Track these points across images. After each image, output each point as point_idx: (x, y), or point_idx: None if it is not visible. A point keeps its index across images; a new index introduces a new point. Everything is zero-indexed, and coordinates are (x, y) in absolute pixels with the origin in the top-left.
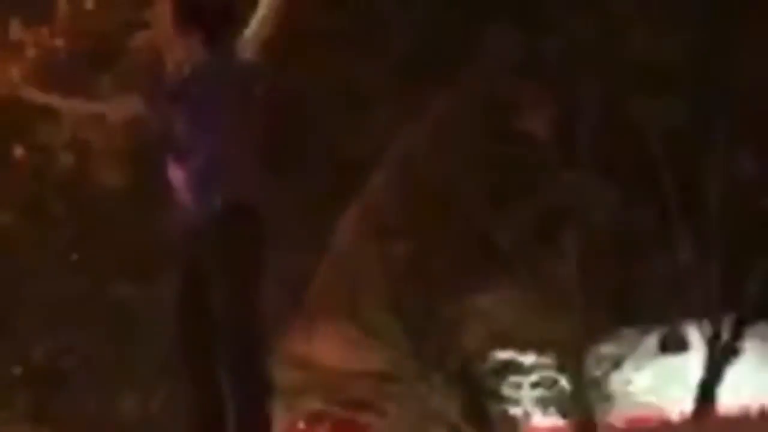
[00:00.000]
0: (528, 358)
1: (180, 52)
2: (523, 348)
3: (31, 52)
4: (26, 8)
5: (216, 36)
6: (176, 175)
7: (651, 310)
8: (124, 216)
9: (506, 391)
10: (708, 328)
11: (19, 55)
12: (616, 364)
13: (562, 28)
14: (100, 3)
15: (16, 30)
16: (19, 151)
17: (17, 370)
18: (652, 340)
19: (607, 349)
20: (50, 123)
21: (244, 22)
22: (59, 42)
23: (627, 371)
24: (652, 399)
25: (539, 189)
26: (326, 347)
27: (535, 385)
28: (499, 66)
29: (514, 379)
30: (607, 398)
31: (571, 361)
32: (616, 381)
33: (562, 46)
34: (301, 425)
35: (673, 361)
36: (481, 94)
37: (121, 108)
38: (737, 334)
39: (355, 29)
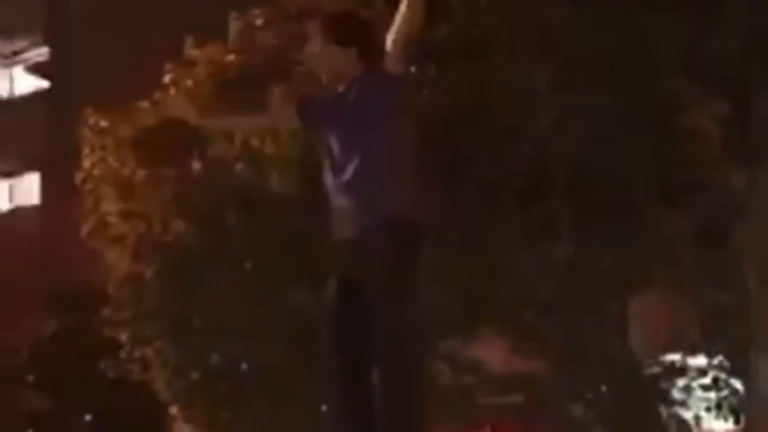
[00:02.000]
0: (698, 360)
1: (335, 67)
2: (693, 349)
3: (203, 69)
4: (199, 27)
5: (367, 49)
6: (333, 189)
7: None
8: (297, 224)
9: (676, 394)
10: None
11: (191, 72)
12: None
13: (737, 23)
14: (269, 18)
15: (189, 48)
16: (196, 165)
17: (195, 375)
18: None
19: None
20: (225, 136)
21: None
22: (231, 58)
23: None
24: None
25: (709, 186)
26: (491, 351)
27: (706, 388)
28: (667, 63)
29: (683, 381)
30: None
31: (744, 362)
32: None
33: (734, 43)
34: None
35: None
36: (649, 91)
37: (287, 119)
38: None
39: (522, 31)
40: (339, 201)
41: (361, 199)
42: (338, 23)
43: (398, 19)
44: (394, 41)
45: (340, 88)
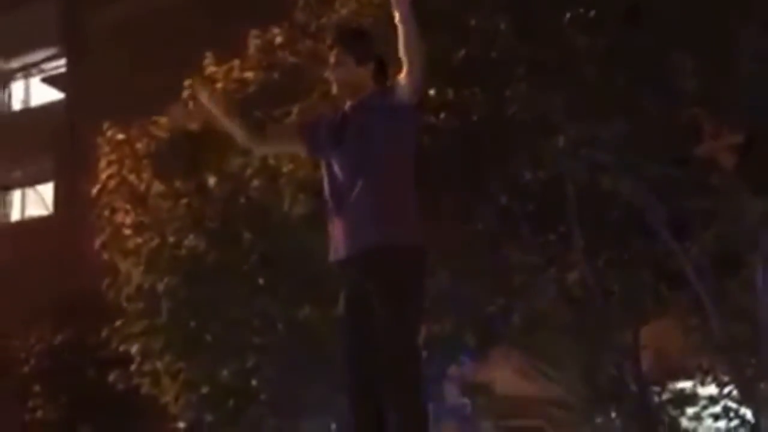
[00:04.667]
0: (708, 389)
1: (350, 82)
2: (703, 378)
3: (221, 85)
4: (219, 43)
5: (380, 69)
6: (335, 212)
7: None
8: (309, 242)
9: (685, 423)
10: None
11: (210, 88)
12: None
13: (753, 53)
14: (289, 36)
15: (209, 64)
16: (212, 180)
17: (205, 389)
18: None
19: None
20: (241, 153)
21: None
22: (249, 75)
23: None
24: None
25: (723, 216)
26: (501, 374)
27: (716, 417)
28: (681, 93)
29: (693, 410)
30: None
31: (754, 392)
32: None
33: (748, 73)
34: None
35: None
36: (664, 120)
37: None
38: None
39: (542, 57)
40: (340, 224)
41: (363, 223)
42: (356, 39)
43: (404, 50)
44: (409, 72)
45: (347, 108)
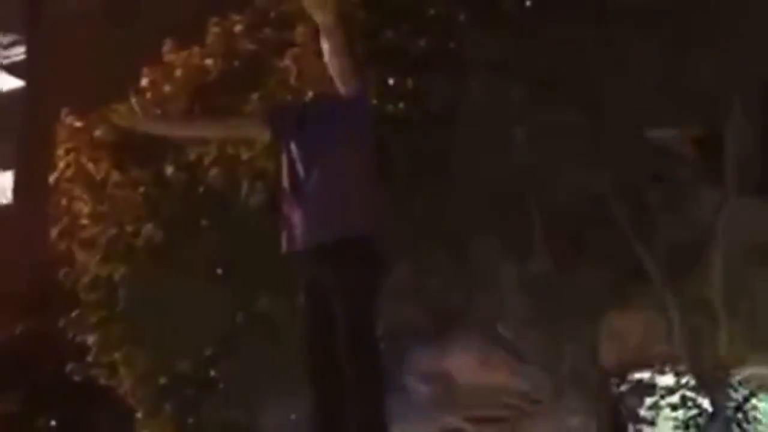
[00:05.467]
0: (667, 379)
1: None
2: (662, 368)
3: (180, 72)
4: (179, 31)
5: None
6: (291, 201)
7: None
8: (268, 231)
9: (644, 412)
10: None
11: (169, 75)
12: (760, 386)
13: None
14: (248, 26)
15: (167, 51)
16: (170, 170)
17: (163, 380)
18: None
19: (752, 370)
20: (199, 142)
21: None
22: (209, 62)
23: None
24: None
25: (684, 207)
26: (462, 363)
27: (674, 407)
28: (641, 84)
29: (652, 400)
30: (750, 421)
31: (713, 383)
32: (760, 404)
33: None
34: None
35: None
36: (622, 111)
37: (257, 130)
38: None
39: (499, 46)
40: (296, 214)
41: (320, 215)
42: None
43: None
44: (332, 69)
45: (309, 98)
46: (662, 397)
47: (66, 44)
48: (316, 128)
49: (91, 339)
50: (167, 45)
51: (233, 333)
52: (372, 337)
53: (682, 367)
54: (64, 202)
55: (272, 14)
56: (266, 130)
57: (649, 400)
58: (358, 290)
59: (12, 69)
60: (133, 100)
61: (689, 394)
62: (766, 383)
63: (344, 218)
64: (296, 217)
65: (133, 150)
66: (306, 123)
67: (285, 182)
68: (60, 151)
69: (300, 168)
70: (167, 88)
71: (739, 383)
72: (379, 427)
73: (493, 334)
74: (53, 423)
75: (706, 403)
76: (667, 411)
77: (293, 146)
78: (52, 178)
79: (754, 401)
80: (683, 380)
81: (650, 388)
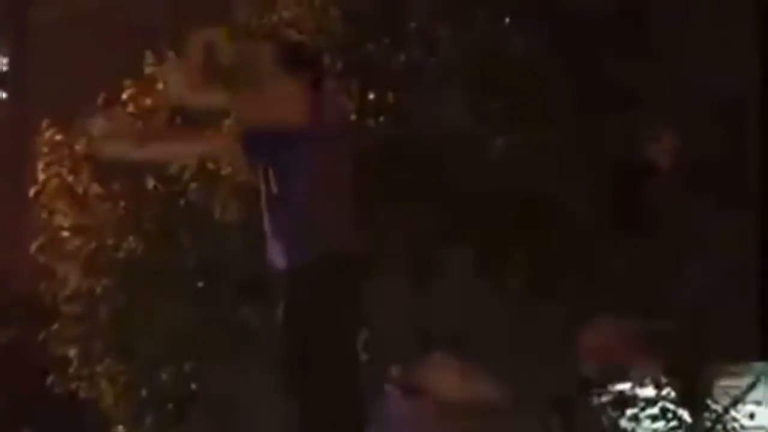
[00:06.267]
0: (646, 391)
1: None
2: (641, 380)
3: (162, 85)
4: (159, 42)
5: (320, 81)
6: (268, 222)
7: None
8: (246, 245)
9: (624, 423)
10: None
11: (150, 88)
12: (739, 398)
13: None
14: (231, 37)
15: (148, 64)
16: (150, 183)
17: (144, 393)
18: None
19: (732, 381)
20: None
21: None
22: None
23: (750, 405)
24: None
25: (660, 218)
26: (439, 377)
27: (654, 418)
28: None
29: (632, 411)
30: None
31: (693, 394)
32: (739, 415)
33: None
34: None
35: None
36: (597, 125)
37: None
38: None
39: (478, 63)
40: (274, 233)
41: (297, 233)
42: (293, 51)
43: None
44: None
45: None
46: (642, 409)
47: (48, 56)
48: (292, 144)
49: (72, 352)
50: (148, 57)
51: (215, 346)
52: (350, 353)
53: (662, 379)
54: (44, 215)
55: (253, 27)
56: (240, 151)
57: (629, 412)
58: (340, 309)
59: None
60: (94, 122)
61: (669, 405)
62: (744, 394)
63: (324, 235)
64: (276, 236)
65: (114, 163)
66: (282, 139)
67: (263, 200)
68: (41, 164)
69: (279, 185)
70: (148, 101)
71: (719, 394)
72: None
73: (471, 350)
74: None
75: (686, 415)
76: (647, 423)
77: (270, 165)
78: (32, 191)
79: (732, 413)
80: (663, 392)
81: (631, 399)
